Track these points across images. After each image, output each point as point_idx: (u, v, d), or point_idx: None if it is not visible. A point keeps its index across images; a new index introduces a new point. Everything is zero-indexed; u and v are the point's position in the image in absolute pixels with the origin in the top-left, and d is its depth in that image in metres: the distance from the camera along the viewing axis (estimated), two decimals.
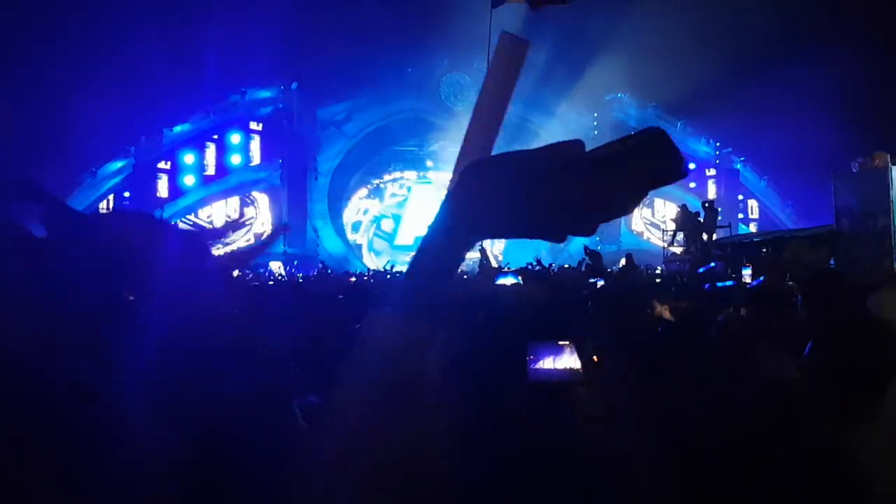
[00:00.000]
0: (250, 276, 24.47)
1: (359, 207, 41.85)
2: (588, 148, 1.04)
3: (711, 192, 37.74)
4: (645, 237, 40.51)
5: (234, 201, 38.01)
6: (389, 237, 41.88)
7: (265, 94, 36.75)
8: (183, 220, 36.43)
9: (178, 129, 34.86)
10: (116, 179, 33.88)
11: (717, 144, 40.09)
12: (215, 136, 36.36)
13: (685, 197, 32.58)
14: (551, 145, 1.12)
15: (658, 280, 14.34)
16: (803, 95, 27.72)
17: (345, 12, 32.04)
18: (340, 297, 8.60)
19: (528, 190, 1.02)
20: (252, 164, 37.31)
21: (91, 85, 26.06)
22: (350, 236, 40.68)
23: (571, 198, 1.01)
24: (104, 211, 32.01)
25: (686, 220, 23.62)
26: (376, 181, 42.06)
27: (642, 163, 1.02)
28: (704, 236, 22.64)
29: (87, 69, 25.93)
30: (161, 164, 34.98)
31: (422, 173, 42.24)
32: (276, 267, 33.97)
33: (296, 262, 32.59)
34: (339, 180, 39.47)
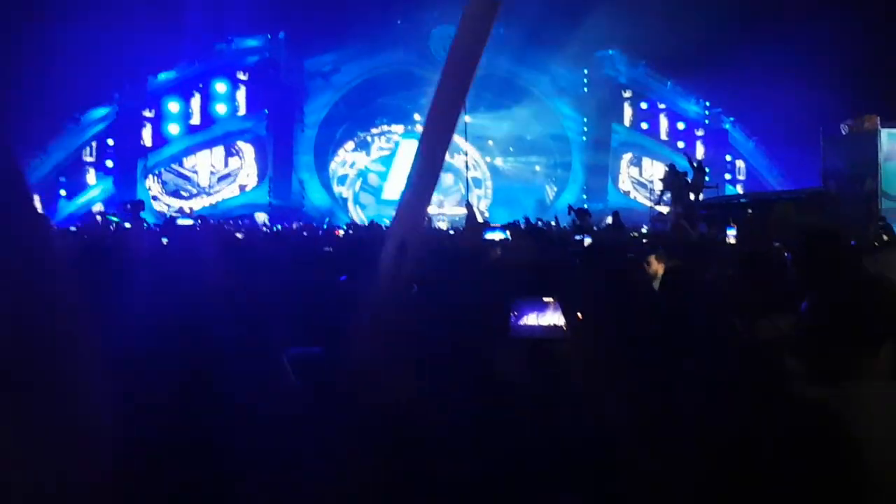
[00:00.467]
0: (240, 226, 24.46)
1: (345, 160, 41.61)
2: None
3: (700, 152, 37.68)
4: (632, 196, 40.51)
5: (220, 151, 37.71)
6: (376, 191, 41.72)
7: (252, 43, 36.26)
8: (167, 169, 36.20)
9: (162, 76, 34.39)
10: (100, 126, 33.47)
11: (707, 104, 39.98)
12: (201, 85, 35.92)
13: (673, 156, 32.61)
14: None
15: (644, 240, 14.30)
16: (795, 57, 27.59)
17: None
18: (328, 248, 8.54)
19: None
20: (238, 114, 36.94)
21: (74, 29, 25.65)
22: (336, 189, 40.49)
23: None
24: None
25: (673, 180, 23.60)
26: (363, 134, 41.75)
27: None
28: (691, 196, 22.64)
29: (70, 12, 25.50)
30: (146, 113, 34.59)
31: (409, 127, 41.91)
32: (262, 218, 33.91)
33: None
34: (326, 132, 39.17)
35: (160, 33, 30.30)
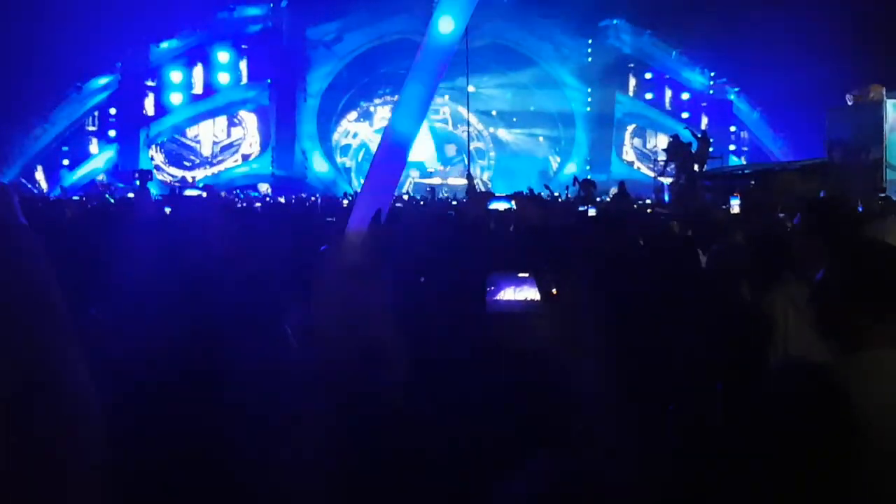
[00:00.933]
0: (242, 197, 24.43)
1: (348, 130, 41.50)
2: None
3: (704, 122, 37.50)
4: (636, 167, 40.42)
5: (222, 121, 37.63)
6: None
7: (254, 11, 35.99)
8: (170, 138, 36.12)
9: (164, 45, 34.17)
10: (102, 95, 33.36)
11: (712, 75, 39.72)
12: (203, 54, 35.72)
13: (677, 127, 32.45)
14: None
15: (649, 210, 14.31)
16: (800, 26, 27.37)
17: None
18: (330, 218, 8.52)
19: None
20: (240, 83, 36.76)
21: None
22: (339, 159, 40.40)
23: None
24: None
25: (677, 151, 23.52)
26: (366, 104, 41.62)
27: None
28: (696, 167, 22.56)
29: None
30: (148, 82, 34.45)
31: None
32: (264, 188, 33.89)
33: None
34: (329, 102, 38.98)
35: (162, 1, 30.14)
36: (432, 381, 2.34)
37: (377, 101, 41.72)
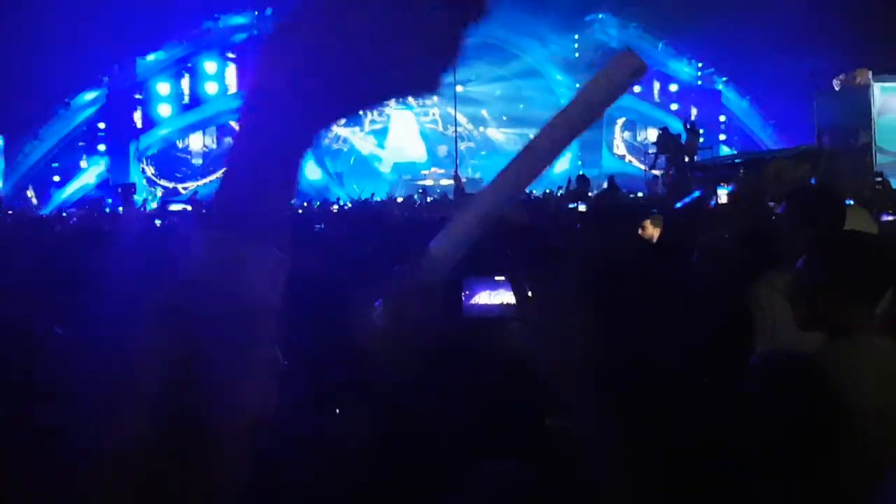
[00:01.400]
0: None
1: (338, 135, 41.47)
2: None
3: (693, 113, 37.52)
4: (627, 160, 40.43)
5: (212, 131, 37.57)
6: (370, 166, 41.66)
7: (239, 20, 35.92)
8: (160, 151, 36.04)
9: (151, 57, 34.15)
10: (91, 110, 33.34)
11: (700, 65, 39.77)
12: (190, 65, 35.68)
13: (667, 119, 32.47)
14: None
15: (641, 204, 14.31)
16: (786, 14, 27.40)
17: None
18: (319, 225, 8.48)
19: (363, 32, 0.77)
20: (228, 93, 36.70)
21: (61, 12, 25.48)
22: (330, 165, 40.37)
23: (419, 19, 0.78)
24: None
25: (667, 143, 23.51)
26: None
27: None
28: (686, 158, 22.54)
29: None
30: (136, 95, 34.39)
31: (401, 99, 41.73)
32: None
33: None
34: None
35: (147, 14, 30.09)
36: (405, 387, 2.32)
37: None
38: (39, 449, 2.21)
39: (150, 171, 35.22)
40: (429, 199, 24.34)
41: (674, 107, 38.70)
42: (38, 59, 25.97)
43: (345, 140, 41.54)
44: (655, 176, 24.91)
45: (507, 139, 42.33)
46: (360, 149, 41.79)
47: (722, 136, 38.40)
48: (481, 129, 41.38)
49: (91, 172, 33.27)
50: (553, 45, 40.32)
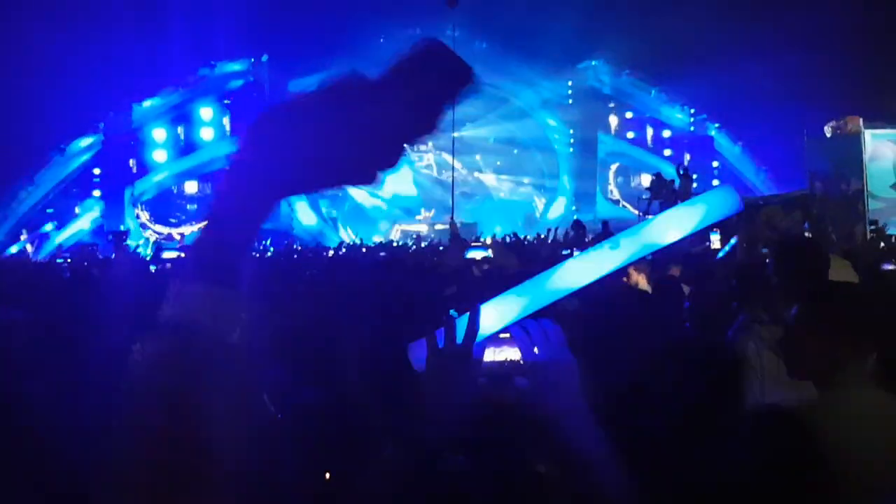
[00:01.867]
0: None
1: None
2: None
3: (686, 159, 37.77)
4: (621, 205, 40.58)
5: (207, 176, 37.64)
6: (364, 211, 41.76)
7: (235, 66, 36.24)
8: (155, 196, 36.07)
9: (147, 104, 34.36)
10: (86, 156, 33.45)
11: (692, 111, 40.12)
12: (186, 111, 35.86)
13: (660, 164, 32.68)
14: (331, 81, 1.07)
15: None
16: (777, 62, 27.73)
17: None
18: (309, 272, 8.47)
19: (322, 131, 0.97)
20: (224, 138, 36.84)
21: (58, 60, 25.66)
22: (324, 210, 40.44)
23: (370, 128, 0.96)
24: None
25: (661, 188, 23.62)
26: None
27: (428, 76, 0.96)
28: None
29: (53, 43, 25.49)
30: (131, 141, 34.51)
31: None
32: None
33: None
34: None
35: (143, 60, 30.34)
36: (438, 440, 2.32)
37: None
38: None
39: (144, 216, 35.24)
40: (423, 245, 24.36)
41: (667, 152, 38.98)
42: (35, 105, 26.12)
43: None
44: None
45: (500, 182, 42.52)
46: (355, 194, 41.88)
47: (715, 182, 38.56)
48: (476, 174, 41.55)
49: (86, 218, 33.27)
50: (546, 91, 40.67)
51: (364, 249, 20.29)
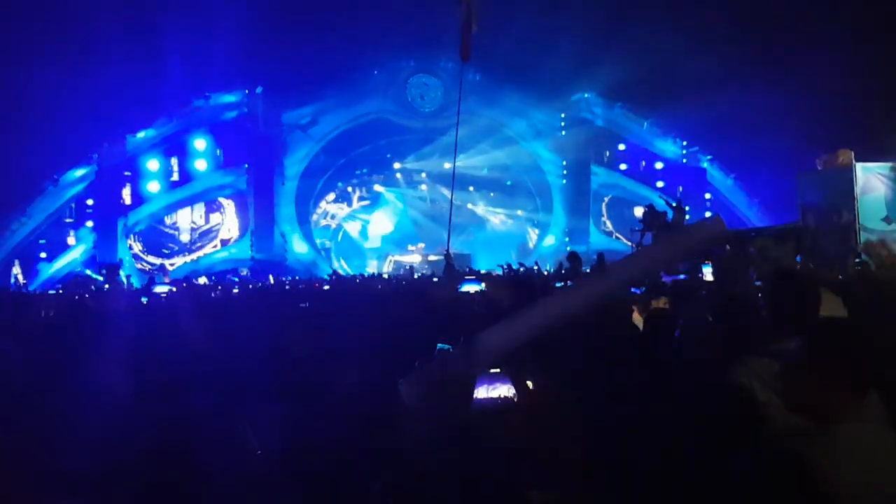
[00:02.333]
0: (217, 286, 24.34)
1: (327, 211, 41.65)
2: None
3: (679, 190, 37.92)
4: (614, 237, 40.66)
5: (200, 207, 37.66)
6: (358, 241, 41.78)
7: (229, 98, 36.33)
8: (148, 227, 36.04)
9: (141, 135, 34.38)
10: (80, 187, 33.43)
11: (685, 144, 40.32)
12: (180, 142, 35.88)
13: (652, 196, 32.75)
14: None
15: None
16: (769, 94, 27.91)
17: (308, 15, 31.86)
18: (304, 304, 8.46)
19: None
20: (218, 169, 36.87)
21: (52, 91, 25.73)
22: (318, 240, 40.45)
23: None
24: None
25: (653, 220, 23.65)
26: (344, 185, 41.88)
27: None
28: None
29: (47, 75, 25.57)
30: (125, 172, 34.48)
31: (389, 176, 42.26)
32: (244, 273, 33.78)
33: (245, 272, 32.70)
34: (307, 184, 39.17)
35: (137, 92, 30.43)
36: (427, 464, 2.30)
37: (354, 181, 42.03)
38: None
39: (137, 247, 35.19)
40: (416, 276, 24.35)
41: (660, 184, 39.12)
42: (29, 136, 26.16)
43: (333, 216, 41.73)
44: None
45: (494, 213, 42.63)
46: (348, 225, 41.95)
47: (707, 214, 38.70)
48: (469, 205, 41.63)
49: (78, 249, 33.19)
50: (539, 123, 40.89)
51: (357, 280, 20.25)
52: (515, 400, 1.93)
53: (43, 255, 32.34)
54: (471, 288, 8.52)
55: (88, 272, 24.92)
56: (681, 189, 38.66)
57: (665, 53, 30.04)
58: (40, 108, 25.69)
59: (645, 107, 38.93)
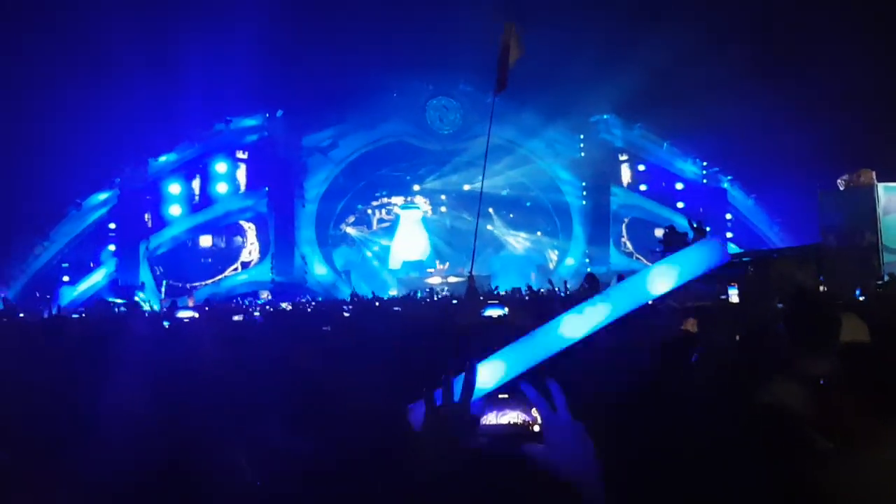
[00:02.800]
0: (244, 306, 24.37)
1: (346, 234, 41.80)
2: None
3: (699, 211, 37.76)
4: (634, 258, 40.52)
5: (222, 230, 37.88)
6: (377, 264, 41.84)
7: (250, 122, 36.64)
8: (169, 250, 36.26)
9: (163, 158, 34.68)
10: (102, 211, 33.69)
11: (705, 164, 40.21)
12: (201, 166, 36.17)
13: (673, 217, 32.64)
14: None
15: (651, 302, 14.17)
16: (790, 114, 27.83)
17: (328, 39, 32.12)
18: (326, 328, 8.45)
19: None
20: (238, 192, 37.12)
21: (75, 116, 26.01)
22: (338, 262, 40.56)
23: None
24: None
25: (674, 241, 23.56)
26: (364, 207, 42.04)
27: None
28: None
29: (70, 100, 25.86)
30: (147, 196, 34.74)
31: (409, 199, 42.36)
32: (265, 295, 33.89)
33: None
34: (327, 207, 39.35)
35: (159, 116, 30.74)
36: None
37: (374, 203, 42.18)
38: None
39: (158, 270, 35.39)
40: (436, 298, 24.32)
41: (680, 205, 38.98)
42: (52, 160, 26.43)
43: (353, 238, 41.85)
44: None
45: (514, 235, 42.63)
46: (368, 247, 42.04)
47: (729, 234, 38.51)
48: (489, 226, 41.64)
49: (100, 272, 33.40)
50: (558, 144, 40.91)
51: (377, 303, 20.23)
52: (525, 427, 1.91)
53: (66, 278, 32.54)
54: (494, 312, 8.47)
55: (110, 299, 25.09)
56: (701, 209, 38.49)
57: (685, 76, 30.03)
58: (63, 132, 25.96)
59: (664, 128, 38.89)
